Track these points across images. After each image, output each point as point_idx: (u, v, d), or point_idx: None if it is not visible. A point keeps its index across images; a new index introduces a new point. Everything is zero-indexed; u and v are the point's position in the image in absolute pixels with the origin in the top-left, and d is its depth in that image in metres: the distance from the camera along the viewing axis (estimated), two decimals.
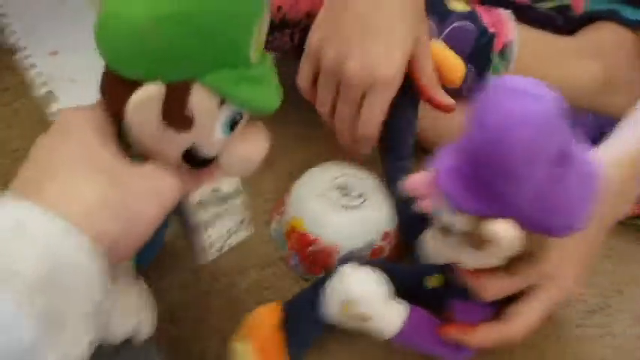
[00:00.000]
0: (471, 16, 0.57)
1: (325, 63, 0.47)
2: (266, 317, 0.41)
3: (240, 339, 0.41)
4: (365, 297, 0.40)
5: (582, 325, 0.51)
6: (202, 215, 0.40)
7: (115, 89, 0.30)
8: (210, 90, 0.29)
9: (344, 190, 0.51)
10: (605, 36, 0.61)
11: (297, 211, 0.51)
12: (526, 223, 0.31)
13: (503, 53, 0.57)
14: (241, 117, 0.32)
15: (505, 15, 0.58)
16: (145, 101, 0.29)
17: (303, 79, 0.50)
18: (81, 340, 0.25)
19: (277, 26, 0.56)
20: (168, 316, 0.46)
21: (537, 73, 0.57)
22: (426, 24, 0.49)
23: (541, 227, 0.31)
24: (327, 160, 0.60)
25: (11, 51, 0.66)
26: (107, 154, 0.30)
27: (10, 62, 0.65)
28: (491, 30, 0.57)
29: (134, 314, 0.31)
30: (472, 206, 0.32)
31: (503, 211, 0.31)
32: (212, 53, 0.29)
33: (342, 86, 0.47)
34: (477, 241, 0.33)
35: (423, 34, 0.48)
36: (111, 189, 0.28)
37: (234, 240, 0.43)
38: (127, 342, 0.31)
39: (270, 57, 0.33)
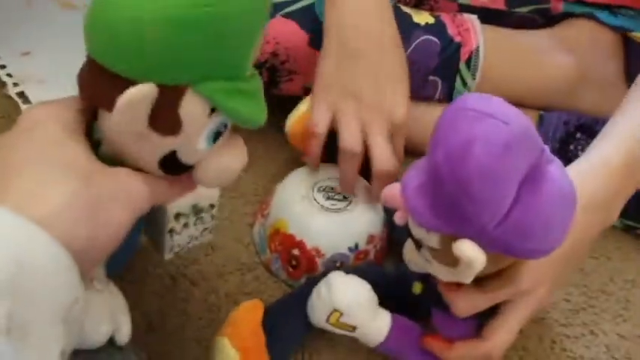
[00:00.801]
0: (436, 29, 0.56)
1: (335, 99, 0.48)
2: (248, 314, 0.40)
3: (221, 335, 0.40)
4: (352, 308, 0.40)
5: (567, 324, 0.51)
6: (173, 224, 0.39)
7: (100, 84, 0.28)
8: (203, 98, 0.29)
9: (329, 192, 0.50)
10: (581, 31, 0.61)
11: (281, 213, 0.49)
12: (491, 245, 0.30)
13: (470, 62, 0.57)
14: (226, 128, 0.31)
15: (471, 21, 0.58)
16: (138, 101, 0.27)
17: (318, 121, 0.48)
18: (50, 349, 0.24)
19: (284, 78, 0.57)
20: (144, 325, 0.45)
21: (508, 75, 0.58)
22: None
23: (507, 250, 0.31)
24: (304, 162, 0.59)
25: None
26: (77, 152, 0.28)
27: None
28: (457, 39, 0.56)
29: (108, 320, 0.29)
30: (436, 225, 0.31)
31: (467, 231, 0.30)
32: (212, 62, 0.28)
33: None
34: (446, 258, 0.32)
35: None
36: (80, 190, 0.27)
37: (193, 245, 0.42)
38: (104, 349, 0.30)
39: (257, 74, 0.32)
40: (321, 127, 0.48)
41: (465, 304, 0.37)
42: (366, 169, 0.49)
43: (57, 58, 0.62)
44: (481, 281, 0.36)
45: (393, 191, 0.33)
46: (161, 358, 0.43)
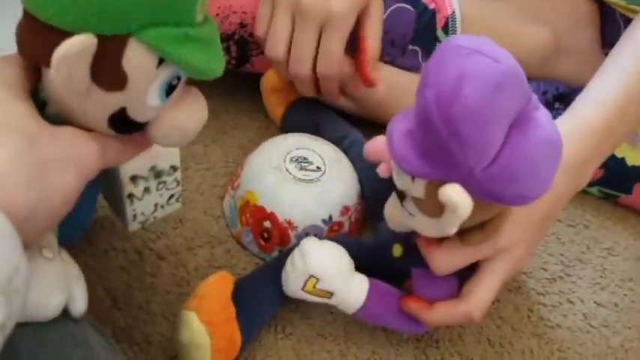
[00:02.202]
0: None
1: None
2: (218, 288, 0.39)
3: (188, 309, 0.38)
4: (328, 272, 0.39)
5: (544, 293, 0.50)
6: (131, 189, 0.37)
7: (37, 37, 0.26)
8: (148, 47, 0.27)
9: (301, 162, 0.48)
10: (554, 0, 0.60)
11: (252, 184, 0.47)
12: (478, 189, 0.29)
13: (447, 27, 0.55)
14: (179, 81, 0.29)
15: None
16: (75, 54, 0.25)
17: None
18: None
19: (253, 52, 0.55)
20: (109, 301, 0.43)
21: None
22: None
23: (494, 195, 0.29)
24: (278, 132, 0.57)
25: None
26: (20, 111, 0.26)
27: None
28: (431, 7, 0.55)
29: (60, 290, 0.27)
30: (423, 170, 0.29)
31: (454, 176, 0.29)
32: (154, 6, 0.26)
33: (298, 18, 0.47)
34: (431, 207, 0.31)
35: None
36: (24, 151, 0.25)
37: (160, 213, 0.40)
38: (58, 321, 0.28)
39: (214, 20, 0.30)
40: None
41: (445, 261, 0.36)
42: None
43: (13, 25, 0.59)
44: (462, 236, 0.35)
45: (377, 145, 0.32)
46: (126, 334, 0.42)
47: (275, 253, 0.47)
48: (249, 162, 0.50)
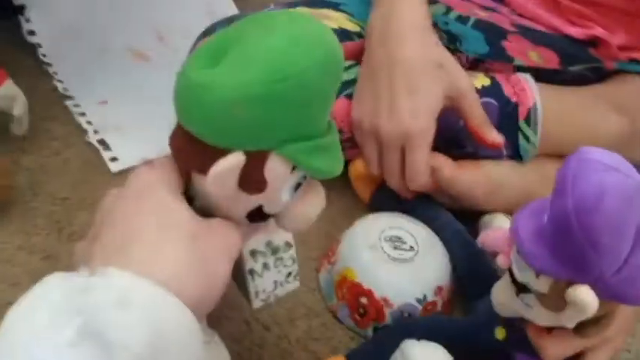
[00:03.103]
0: (492, 90, 0.58)
1: (363, 127, 0.55)
2: None
3: None
4: None
5: None
6: (252, 264, 0.41)
7: (191, 151, 0.31)
8: (285, 158, 0.31)
9: (395, 242, 0.52)
10: (631, 88, 0.62)
11: (349, 261, 0.51)
12: (605, 291, 0.32)
13: (529, 119, 0.58)
14: (305, 179, 0.34)
15: (525, 80, 0.59)
16: (228, 170, 0.30)
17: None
18: None
19: (348, 147, 0.60)
20: None
21: (565, 132, 0.60)
22: (450, 66, 0.54)
23: (619, 296, 0.32)
24: (366, 207, 0.61)
25: (58, 100, 0.67)
26: (183, 212, 0.30)
27: (57, 112, 0.66)
28: (514, 99, 0.58)
29: None
30: (553, 269, 0.32)
31: (584, 278, 0.32)
32: (294, 127, 0.30)
33: (381, 144, 0.54)
34: (553, 303, 0.34)
35: (453, 79, 0.54)
36: (192, 249, 0.29)
37: (280, 292, 0.44)
38: None
39: (334, 123, 0.34)
40: (373, 168, 0.56)
41: (557, 349, 0.38)
42: None
43: (132, 107, 0.66)
44: (577, 329, 0.37)
45: (493, 235, 0.35)
46: None
47: (370, 329, 0.50)
48: (346, 239, 0.54)
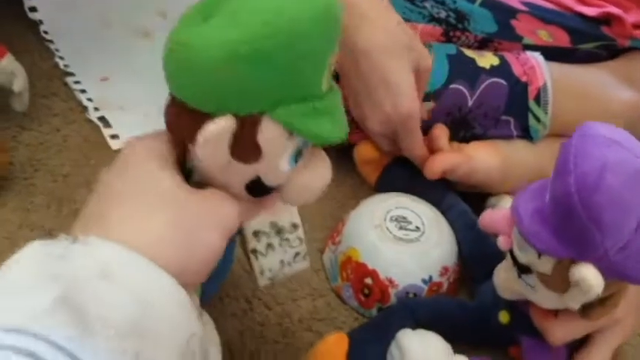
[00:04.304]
0: (501, 70, 0.57)
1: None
2: (334, 348, 0.41)
3: None
4: None
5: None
6: (254, 244, 0.40)
7: (182, 120, 0.30)
8: (279, 123, 0.29)
9: (401, 222, 0.51)
10: None
11: (354, 241, 0.50)
12: (610, 270, 0.31)
13: (539, 99, 0.57)
14: (306, 146, 0.32)
15: (534, 58, 0.58)
16: (217, 135, 0.28)
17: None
18: None
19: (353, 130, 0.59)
20: (226, 348, 0.46)
21: (577, 111, 0.58)
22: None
23: (624, 275, 0.31)
24: (371, 188, 0.60)
25: (59, 77, 0.66)
26: (167, 180, 0.29)
27: (58, 88, 0.65)
28: (524, 79, 0.57)
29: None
30: (555, 248, 0.31)
31: (588, 256, 0.31)
32: (285, 89, 0.28)
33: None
34: (557, 283, 0.33)
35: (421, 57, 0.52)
36: (175, 217, 0.28)
37: (288, 271, 0.43)
38: None
39: (337, 87, 0.32)
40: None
41: (563, 332, 0.37)
42: None
43: (134, 85, 0.65)
44: (582, 311, 0.36)
45: (492, 217, 0.34)
46: None
47: (374, 310, 0.50)
48: (351, 219, 0.53)
